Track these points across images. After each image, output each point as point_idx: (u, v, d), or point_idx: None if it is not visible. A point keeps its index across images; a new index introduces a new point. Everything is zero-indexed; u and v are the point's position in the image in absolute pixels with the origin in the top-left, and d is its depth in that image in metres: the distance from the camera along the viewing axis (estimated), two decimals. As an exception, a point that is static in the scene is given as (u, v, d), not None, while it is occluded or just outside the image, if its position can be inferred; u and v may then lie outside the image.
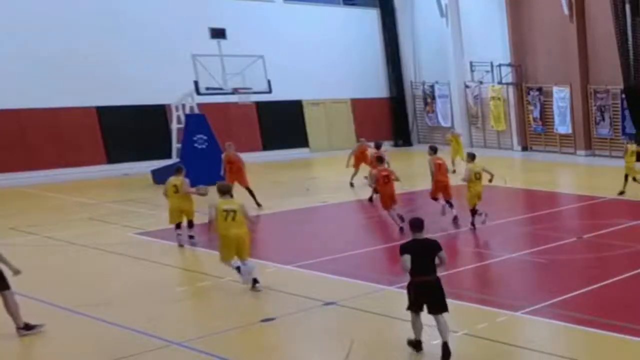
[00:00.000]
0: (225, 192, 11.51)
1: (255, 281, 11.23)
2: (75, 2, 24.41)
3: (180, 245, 14.26)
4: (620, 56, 26.85)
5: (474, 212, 15.81)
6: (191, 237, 14.40)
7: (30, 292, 11.02)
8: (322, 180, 21.06)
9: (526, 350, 8.96)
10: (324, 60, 30.66)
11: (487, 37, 31.30)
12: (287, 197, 19.53)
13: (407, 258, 8.47)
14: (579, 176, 26.06)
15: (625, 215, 17.15)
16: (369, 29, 33.36)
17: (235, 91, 22.03)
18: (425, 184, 21.57)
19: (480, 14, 31.72)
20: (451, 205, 16.73)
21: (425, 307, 8.65)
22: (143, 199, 19.31)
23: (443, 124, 33.65)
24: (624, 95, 27.66)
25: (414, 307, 8.67)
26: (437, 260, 8.65)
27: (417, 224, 8.77)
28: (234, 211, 11.18)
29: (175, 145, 22.68)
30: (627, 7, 26.51)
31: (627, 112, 27.87)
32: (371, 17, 33.57)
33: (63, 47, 23.93)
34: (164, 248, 14.22)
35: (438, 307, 8.64)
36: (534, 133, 31.28)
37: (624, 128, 28.34)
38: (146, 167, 23.08)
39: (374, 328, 9.67)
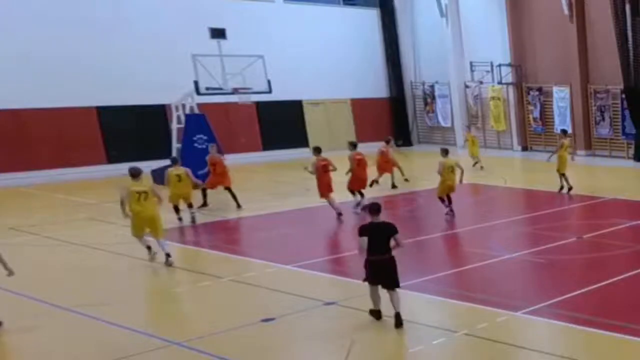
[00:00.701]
0: (136, 175, 12.96)
1: (168, 255, 12.57)
2: (75, 2, 24.40)
3: (180, 219, 16.12)
4: (620, 56, 26.86)
5: (442, 200, 17.09)
6: (192, 214, 16.38)
7: (30, 292, 11.03)
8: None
9: (526, 350, 8.96)
10: (324, 60, 30.65)
11: (487, 37, 31.29)
12: (287, 197, 19.52)
13: (364, 240, 9.46)
14: (579, 176, 26.04)
15: (625, 215, 17.15)
16: (369, 29, 33.35)
17: (235, 91, 22.00)
18: (425, 183, 21.60)
19: (480, 14, 31.71)
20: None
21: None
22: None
23: (443, 124, 33.66)
24: (624, 95, 27.66)
25: (371, 280, 9.66)
26: (392, 242, 9.57)
27: (374, 209, 9.80)
28: (145, 192, 12.70)
29: (175, 145, 22.65)
30: (627, 7, 26.52)
31: (627, 112, 27.87)
32: (371, 17, 33.56)
33: (63, 47, 23.92)
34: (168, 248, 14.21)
35: (391, 284, 9.64)
36: (534, 133, 31.27)
37: (624, 128, 28.34)
38: (146, 167, 23.03)
39: (374, 328, 9.66)
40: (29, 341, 9.29)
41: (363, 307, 10.29)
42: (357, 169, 18.14)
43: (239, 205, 18.10)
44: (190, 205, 16.43)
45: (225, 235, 15.52)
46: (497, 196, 20.93)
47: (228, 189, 18.35)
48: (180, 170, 16.23)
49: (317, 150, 17.29)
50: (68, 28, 24.07)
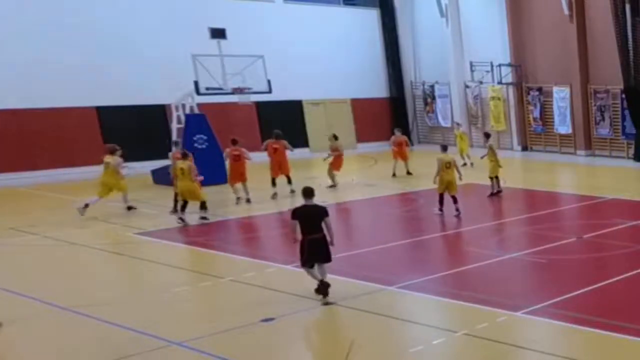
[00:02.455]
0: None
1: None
2: (75, 2, 24.40)
3: (181, 220, 16.01)
4: (620, 56, 26.85)
5: (441, 197, 17.09)
6: (203, 218, 16.33)
7: (30, 292, 11.03)
8: (322, 180, 21.06)
9: (526, 350, 8.96)
10: (324, 60, 30.65)
11: (487, 37, 31.29)
12: (287, 197, 19.51)
13: (294, 223, 10.48)
14: (579, 176, 26.07)
15: (625, 215, 17.15)
16: (369, 29, 33.34)
17: (235, 91, 22.01)
18: (426, 183, 21.59)
19: (480, 14, 31.72)
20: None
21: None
22: (143, 199, 19.30)
23: (443, 124, 33.66)
24: (624, 95, 27.66)
25: (308, 263, 10.57)
26: (324, 225, 10.48)
27: (307, 192, 10.63)
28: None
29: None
30: (627, 7, 26.51)
31: (627, 112, 27.87)
32: (371, 17, 33.56)
33: (63, 47, 23.92)
34: (164, 248, 14.23)
35: (323, 259, 10.67)
36: (534, 133, 31.27)
37: (624, 128, 28.34)
38: (146, 167, 23.08)
39: (374, 328, 9.67)
40: (29, 341, 9.29)
41: (363, 307, 10.31)
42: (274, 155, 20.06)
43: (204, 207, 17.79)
44: (203, 206, 16.46)
45: (225, 235, 15.51)
46: (498, 196, 20.90)
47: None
48: (186, 164, 16.29)
49: (234, 142, 18.95)
50: (68, 28, 24.07)
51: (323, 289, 10.55)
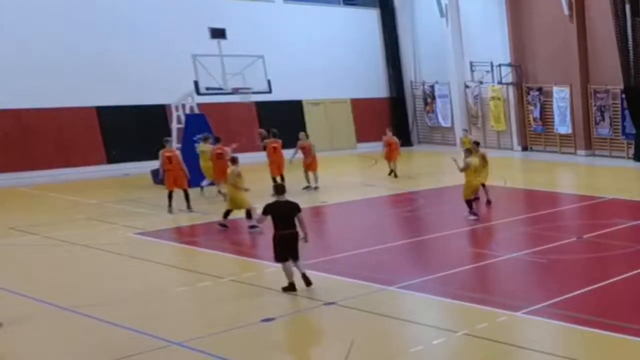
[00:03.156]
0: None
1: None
2: (75, 2, 24.40)
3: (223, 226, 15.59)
4: (620, 56, 26.85)
5: (469, 203, 16.49)
6: (252, 227, 15.35)
7: (30, 292, 11.03)
8: (322, 180, 21.06)
9: (526, 350, 8.95)
10: (324, 60, 30.65)
11: (487, 37, 31.28)
12: (287, 197, 19.49)
13: (262, 218, 10.93)
14: (579, 176, 26.07)
15: (625, 215, 17.15)
16: (369, 29, 33.34)
17: (235, 91, 22.01)
18: (426, 183, 21.60)
19: (480, 14, 31.71)
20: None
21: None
22: (143, 199, 19.31)
23: (443, 124, 33.66)
24: (624, 95, 27.66)
25: (281, 257, 10.85)
26: (296, 220, 10.77)
27: (279, 188, 11.11)
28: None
29: (176, 145, 22.63)
30: (627, 7, 26.51)
31: (627, 112, 27.87)
32: (371, 17, 33.56)
33: (63, 47, 23.93)
34: (163, 248, 14.23)
35: (297, 255, 10.96)
36: (534, 133, 31.27)
37: (624, 128, 28.34)
38: (146, 167, 23.07)
39: (374, 328, 9.67)
40: (29, 341, 9.29)
41: (363, 307, 10.31)
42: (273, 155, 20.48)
43: (189, 208, 17.60)
44: (249, 215, 15.58)
45: (225, 235, 15.50)
46: (497, 196, 20.89)
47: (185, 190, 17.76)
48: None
49: (217, 140, 19.35)
50: (68, 28, 24.08)
51: (306, 281, 11.02)
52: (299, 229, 10.94)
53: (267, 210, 10.82)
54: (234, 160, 15.55)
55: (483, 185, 18.44)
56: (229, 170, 15.65)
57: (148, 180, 21.98)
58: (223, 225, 15.50)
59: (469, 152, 17.32)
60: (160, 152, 17.76)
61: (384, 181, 22.49)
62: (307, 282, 11.08)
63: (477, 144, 19.71)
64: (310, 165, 20.71)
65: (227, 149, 18.89)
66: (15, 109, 23.26)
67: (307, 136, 21.51)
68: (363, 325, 9.76)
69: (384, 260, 13.41)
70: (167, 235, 15.10)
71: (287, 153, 20.87)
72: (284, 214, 10.81)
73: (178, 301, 10.96)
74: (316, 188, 20.57)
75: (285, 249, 10.83)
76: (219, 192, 18.76)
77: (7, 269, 12.72)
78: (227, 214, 15.50)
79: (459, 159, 17.01)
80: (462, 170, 16.47)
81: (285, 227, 10.79)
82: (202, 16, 25.74)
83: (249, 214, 15.41)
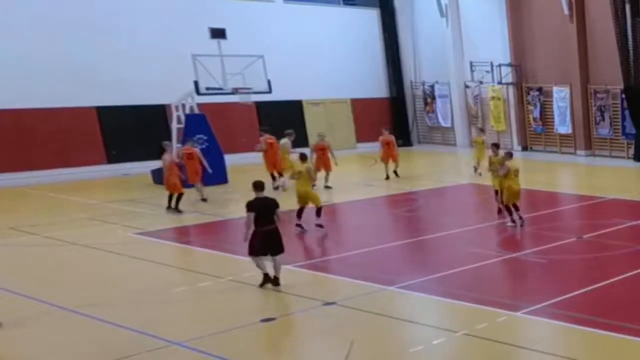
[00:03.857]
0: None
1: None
2: (75, 2, 24.39)
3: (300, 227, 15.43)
4: (620, 56, 26.85)
5: (508, 209, 15.88)
6: (319, 225, 15.50)
7: (30, 292, 11.03)
8: (322, 180, 21.06)
9: (526, 350, 8.96)
10: (324, 60, 30.63)
11: (487, 37, 31.27)
12: (287, 197, 19.50)
13: (251, 215, 10.98)
14: (579, 176, 26.06)
15: (625, 215, 17.15)
16: (369, 29, 33.33)
17: (235, 91, 22.01)
18: (426, 183, 21.60)
19: (480, 14, 31.70)
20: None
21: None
22: (143, 199, 19.31)
23: (443, 124, 33.66)
24: (624, 95, 27.66)
25: (259, 252, 11.10)
26: (275, 216, 11.08)
27: (258, 185, 11.33)
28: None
29: (176, 145, 22.65)
30: (627, 7, 26.51)
31: (627, 112, 27.87)
32: (371, 17, 33.54)
33: (63, 47, 23.90)
34: (163, 248, 14.23)
35: (276, 250, 11.18)
36: (534, 133, 31.26)
37: (624, 128, 28.33)
38: (146, 167, 23.07)
39: (374, 328, 9.67)
40: (29, 341, 9.29)
41: (363, 307, 10.31)
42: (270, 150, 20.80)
43: (171, 208, 17.46)
44: (318, 213, 15.68)
45: (224, 235, 15.51)
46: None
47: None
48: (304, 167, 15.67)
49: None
50: (68, 28, 24.05)
51: (275, 282, 11.24)
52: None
53: (251, 207, 11.05)
54: (305, 157, 15.75)
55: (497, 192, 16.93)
56: (303, 167, 15.37)
57: (148, 180, 21.98)
58: (300, 226, 15.35)
59: (496, 147, 17.15)
60: (179, 150, 18.65)
61: (383, 181, 22.48)
62: (276, 283, 11.27)
63: (496, 146, 17.69)
64: (326, 164, 21.04)
65: (197, 150, 19.07)
66: (15, 109, 23.25)
67: (324, 136, 21.79)
68: (363, 325, 9.76)
69: (384, 260, 13.42)
70: (167, 235, 15.10)
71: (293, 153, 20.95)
72: (264, 211, 11.10)
73: (178, 301, 10.96)
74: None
75: (266, 244, 11.10)
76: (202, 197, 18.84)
77: (7, 269, 12.72)
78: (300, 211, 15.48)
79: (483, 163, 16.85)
80: (503, 175, 15.71)
81: (266, 224, 11.06)
82: (202, 16, 25.72)
83: (318, 212, 15.59)
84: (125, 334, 9.34)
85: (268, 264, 11.31)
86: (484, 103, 32.35)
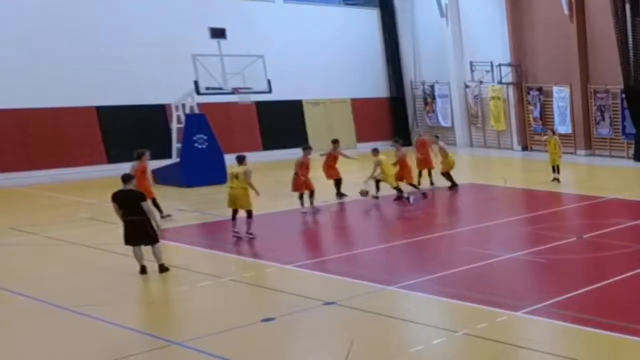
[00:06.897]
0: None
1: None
2: (75, 2, 24.41)
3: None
4: (620, 56, 26.86)
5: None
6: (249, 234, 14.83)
7: (30, 292, 11.03)
8: (322, 180, 21.02)
9: (526, 350, 8.95)
10: (324, 60, 30.65)
11: (487, 37, 31.30)
12: (287, 197, 19.50)
13: (115, 206, 11.74)
14: (579, 176, 26.05)
15: (625, 215, 17.14)
16: (369, 29, 33.36)
17: (235, 91, 22.02)
18: (426, 183, 21.57)
19: (480, 14, 31.72)
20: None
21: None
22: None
23: (443, 124, 33.68)
24: (624, 95, 27.66)
25: (128, 242, 11.78)
26: (141, 208, 11.60)
27: (125, 178, 11.92)
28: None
29: (176, 145, 22.67)
30: (627, 7, 26.52)
31: (627, 112, 27.87)
32: (371, 17, 33.57)
33: (63, 47, 23.95)
34: (163, 248, 14.18)
35: (150, 240, 11.86)
36: (534, 133, 31.27)
37: (624, 128, 28.35)
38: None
39: (374, 328, 9.67)
40: (29, 341, 9.28)
41: (363, 307, 10.30)
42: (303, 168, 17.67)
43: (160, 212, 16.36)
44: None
45: (224, 235, 15.50)
46: (497, 196, 20.92)
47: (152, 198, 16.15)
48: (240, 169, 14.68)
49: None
50: (68, 28, 24.09)
51: (161, 269, 11.92)
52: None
53: (112, 198, 11.80)
54: (242, 159, 14.77)
55: (444, 174, 20.60)
56: (240, 169, 14.54)
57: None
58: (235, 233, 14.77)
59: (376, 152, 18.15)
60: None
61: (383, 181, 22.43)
62: (163, 270, 11.98)
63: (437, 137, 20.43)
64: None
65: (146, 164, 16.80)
66: (15, 109, 23.27)
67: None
68: (363, 325, 9.75)
69: (384, 260, 13.41)
70: (166, 235, 15.08)
71: (293, 153, 20.82)
72: (127, 202, 11.68)
73: (178, 301, 10.96)
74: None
75: (132, 234, 11.72)
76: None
77: (7, 268, 12.72)
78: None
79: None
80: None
81: (129, 214, 11.68)
82: (202, 16, 25.75)
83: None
84: (125, 334, 9.33)
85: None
86: (484, 103, 32.39)
